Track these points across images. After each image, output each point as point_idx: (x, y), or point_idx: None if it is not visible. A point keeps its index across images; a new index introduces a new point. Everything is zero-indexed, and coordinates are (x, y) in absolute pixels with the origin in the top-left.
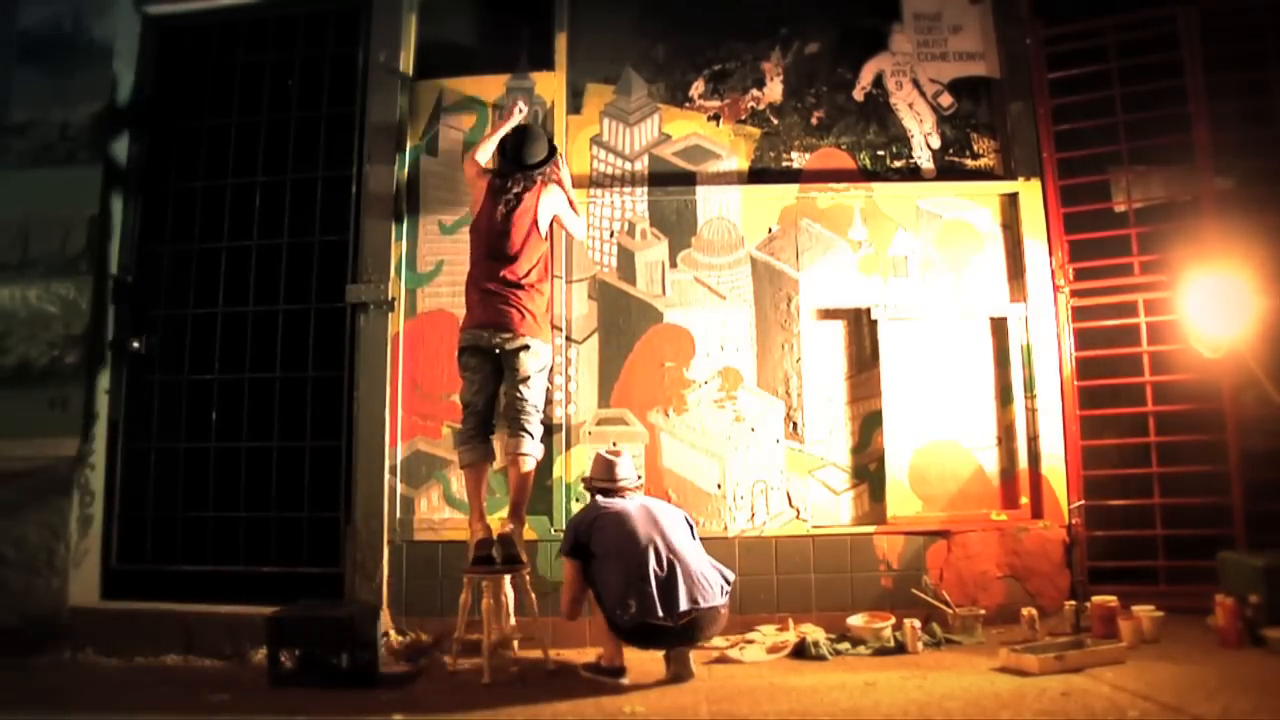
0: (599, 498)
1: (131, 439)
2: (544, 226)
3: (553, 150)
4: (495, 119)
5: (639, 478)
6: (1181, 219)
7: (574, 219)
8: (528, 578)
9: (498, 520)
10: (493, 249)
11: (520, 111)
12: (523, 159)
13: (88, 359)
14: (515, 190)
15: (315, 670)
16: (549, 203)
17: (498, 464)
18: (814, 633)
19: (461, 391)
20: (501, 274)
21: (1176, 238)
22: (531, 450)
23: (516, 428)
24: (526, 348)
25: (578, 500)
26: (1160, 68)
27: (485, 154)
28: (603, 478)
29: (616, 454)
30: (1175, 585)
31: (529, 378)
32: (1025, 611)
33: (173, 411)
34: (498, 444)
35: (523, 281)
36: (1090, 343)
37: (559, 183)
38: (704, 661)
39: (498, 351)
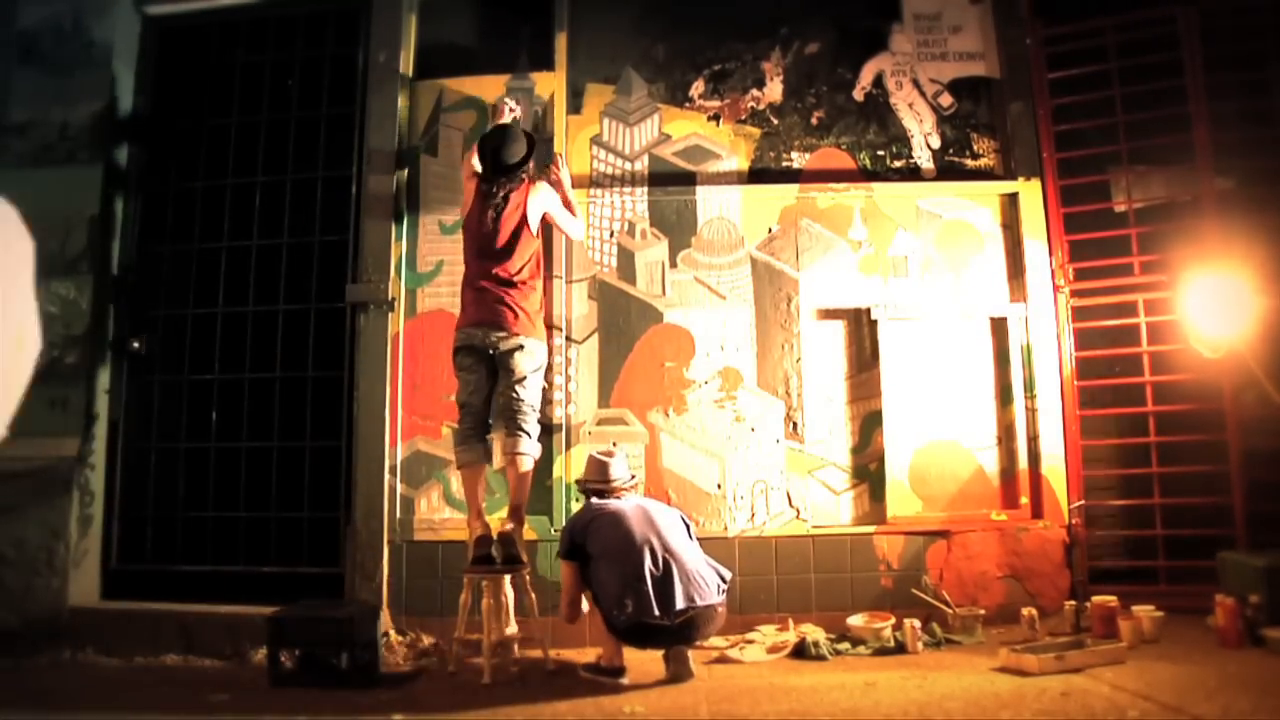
0: (593, 499)
1: (131, 439)
2: (534, 223)
3: (531, 146)
4: (491, 121)
5: (632, 477)
6: (1181, 219)
7: (571, 220)
8: (528, 578)
9: (497, 520)
10: (483, 248)
11: (511, 111)
12: (501, 161)
13: (88, 359)
14: (502, 194)
15: (315, 670)
16: (539, 201)
17: (496, 464)
18: (814, 633)
19: (458, 392)
20: (493, 272)
21: (1176, 238)
22: (529, 450)
23: (513, 427)
24: (521, 347)
25: (577, 500)
26: (1160, 68)
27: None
28: (596, 479)
29: (609, 454)
30: (1175, 585)
31: (524, 377)
32: (1025, 611)
33: (173, 411)
34: (495, 444)
35: (515, 279)
36: (1090, 343)
37: (556, 183)
38: (704, 661)
39: (492, 351)
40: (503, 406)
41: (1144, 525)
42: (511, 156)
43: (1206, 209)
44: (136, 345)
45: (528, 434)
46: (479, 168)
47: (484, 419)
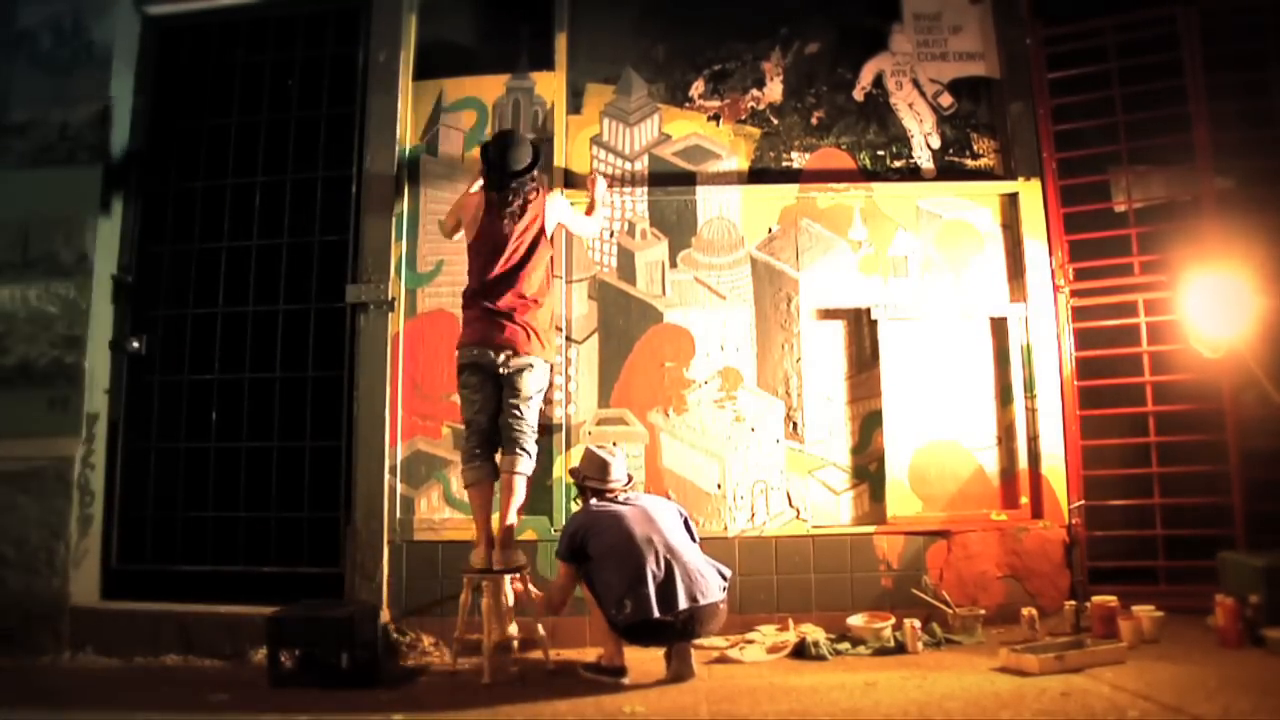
0: (593, 501)
1: (131, 439)
2: (549, 234)
3: (537, 155)
4: (494, 121)
5: (630, 479)
6: (1181, 219)
7: (584, 220)
8: (528, 577)
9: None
10: (496, 265)
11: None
12: (507, 165)
13: (88, 359)
14: (518, 202)
15: (315, 670)
16: (555, 211)
17: None
18: (814, 633)
19: (462, 410)
20: (505, 291)
21: (1176, 238)
22: (526, 470)
23: (512, 446)
24: (530, 367)
25: (576, 501)
26: (1160, 68)
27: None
28: (595, 478)
29: (610, 454)
30: (1175, 585)
31: (530, 397)
32: (1025, 611)
33: (173, 411)
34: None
35: (527, 297)
36: (1090, 343)
37: (590, 203)
38: (704, 661)
39: (501, 371)
40: (503, 425)
41: (1144, 525)
42: (518, 162)
43: (1206, 209)
44: (136, 345)
45: (527, 453)
46: (472, 188)
47: (491, 436)
